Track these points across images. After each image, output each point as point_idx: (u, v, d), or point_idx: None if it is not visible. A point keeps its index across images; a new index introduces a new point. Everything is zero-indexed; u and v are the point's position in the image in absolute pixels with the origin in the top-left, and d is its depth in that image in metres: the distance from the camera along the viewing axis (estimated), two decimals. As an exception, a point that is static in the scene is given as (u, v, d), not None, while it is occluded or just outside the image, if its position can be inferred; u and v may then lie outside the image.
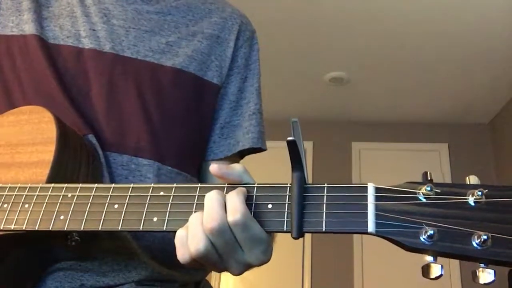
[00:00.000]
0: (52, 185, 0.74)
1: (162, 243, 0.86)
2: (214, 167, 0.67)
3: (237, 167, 0.68)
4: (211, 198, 0.64)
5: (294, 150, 0.61)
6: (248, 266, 0.66)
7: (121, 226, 0.68)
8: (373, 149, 5.20)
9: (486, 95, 4.69)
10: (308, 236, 4.87)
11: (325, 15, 3.69)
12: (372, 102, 4.97)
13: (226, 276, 4.67)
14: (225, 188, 0.67)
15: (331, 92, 4.79)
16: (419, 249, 0.56)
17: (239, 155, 1.04)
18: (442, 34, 3.80)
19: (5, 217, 0.73)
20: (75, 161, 0.81)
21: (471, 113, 5.06)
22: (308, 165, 4.92)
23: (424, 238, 0.55)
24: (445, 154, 5.11)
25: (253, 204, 0.64)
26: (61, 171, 0.78)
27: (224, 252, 0.64)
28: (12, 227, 0.72)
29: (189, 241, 0.63)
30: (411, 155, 4.98)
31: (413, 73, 4.39)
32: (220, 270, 0.68)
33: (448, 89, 4.63)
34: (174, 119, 0.96)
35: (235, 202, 0.63)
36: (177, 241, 0.65)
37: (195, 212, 0.66)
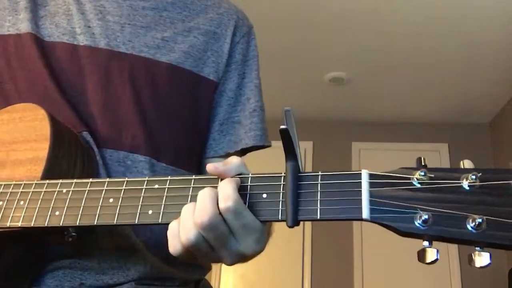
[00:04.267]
0: (47, 181, 0.74)
1: (160, 238, 0.86)
2: (210, 167, 0.66)
3: (234, 161, 0.67)
4: (204, 194, 0.64)
5: (287, 139, 0.60)
6: (241, 256, 0.66)
7: (117, 220, 0.68)
8: (373, 149, 5.21)
9: (486, 95, 4.69)
10: (308, 234, 4.88)
11: (325, 15, 3.69)
12: (372, 102, 4.98)
13: (226, 275, 4.68)
14: (220, 179, 0.66)
15: (331, 92, 4.80)
16: (414, 234, 0.55)
17: (241, 152, 1.04)
18: (442, 34, 3.80)
19: (1, 214, 0.73)
20: (69, 158, 0.81)
21: (471, 113, 5.06)
22: (308, 165, 4.94)
23: (418, 223, 0.55)
24: (445, 154, 5.12)
25: (248, 194, 0.64)
26: (55, 168, 0.78)
27: (216, 244, 0.64)
28: (8, 224, 0.72)
29: (181, 231, 0.63)
30: (411, 155, 4.92)
31: (413, 73, 4.40)
32: (213, 261, 0.67)
33: (448, 89, 4.63)
34: (169, 115, 0.96)
35: (227, 189, 0.63)
36: (169, 233, 0.65)
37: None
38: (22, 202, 0.73)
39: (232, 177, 0.66)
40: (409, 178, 0.58)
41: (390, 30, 3.81)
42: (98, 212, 0.69)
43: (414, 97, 4.83)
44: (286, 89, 4.77)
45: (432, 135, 5.20)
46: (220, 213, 0.62)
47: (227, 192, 0.62)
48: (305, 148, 5.07)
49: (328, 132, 5.29)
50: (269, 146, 1.04)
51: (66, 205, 0.71)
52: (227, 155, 1.01)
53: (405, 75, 4.44)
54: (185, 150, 0.99)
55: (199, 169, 1.03)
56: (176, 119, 0.97)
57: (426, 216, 0.54)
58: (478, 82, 4.46)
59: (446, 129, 5.23)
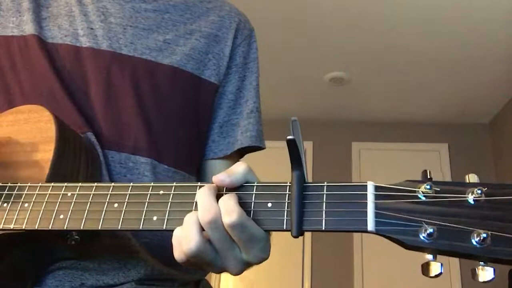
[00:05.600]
0: (52, 184, 0.74)
1: (162, 241, 0.87)
2: (216, 181, 0.65)
3: (239, 170, 0.66)
4: (203, 193, 0.64)
5: (293, 149, 0.60)
6: (247, 265, 0.66)
7: (121, 226, 0.68)
8: (373, 149, 5.21)
9: (486, 95, 4.69)
10: (308, 235, 4.87)
11: (325, 15, 3.69)
12: (372, 102, 4.98)
13: (226, 276, 4.66)
14: (225, 188, 0.66)
15: (331, 92, 4.79)
16: (419, 247, 0.55)
17: (239, 154, 1.04)
18: (442, 34, 3.80)
19: (5, 216, 0.73)
20: (74, 160, 0.81)
21: (471, 113, 5.06)
22: (308, 165, 4.94)
23: (423, 237, 0.55)
24: (445, 154, 5.12)
25: (253, 203, 0.64)
26: (60, 170, 0.78)
27: (222, 248, 0.63)
28: (12, 226, 0.72)
29: (182, 240, 0.63)
30: (411, 155, 4.98)
31: (413, 73, 4.40)
32: (218, 269, 0.67)
33: (448, 89, 4.63)
34: (171, 117, 0.96)
35: (230, 203, 0.62)
36: (174, 240, 0.65)
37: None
38: (26, 205, 0.73)
39: (239, 185, 0.66)
40: (414, 191, 0.58)
41: (390, 30, 3.81)
42: (102, 216, 0.69)
43: (414, 97, 4.83)
44: (286, 89, 4.77)
45: (432, 135, 5.20)
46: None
47: (229, 206, 0.62)
48: (305, 148, 5.04)
49: (328, 132, 5.28)
50: (263, 148, 1.04)
51: (71, 208, 0.71)
52: (226, 156, 1.02)
53: (405, 75, 4.44)
54: (186, 152, 0.99)
55: (199, 171, 1.04)
56: (177, 120, 0.97)
57: (431, 230, 0.54)
58: (478, 82, 4.46)
59: (446, 129, 5.23)
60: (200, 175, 1.03)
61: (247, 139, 1.01)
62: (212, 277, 4.49)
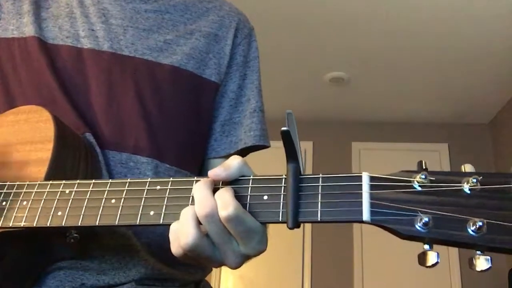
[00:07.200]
0: (50, 182, 0.74)
1: (161, 240, 0.86)
2: (211, 175, 0.66)
3: (234, 164, 0.67)
4: (199, 187, 0.64)
5: (288, 141, 0.60)
6: (245, 258, 0.66)
7: (118, 221, 0.68)
8: (373, 149, 5.21)
9: (486, 95, 4.69)
10: (308, 232, 4.88)
11: (325, 15, 3.69)
12: (372, 102, 4.98)
13: (225, 276, 4.68)
14: (221, 182, 0.66)
15: (331, 92, 4.80)
16: (415, 237, 0.55)
17: (242, 153, 1.04)
18: (443, 34, 3.81)
19: (4, 214, 0.73)
20: (73, 159, 0.81)
21: (471, 113, 5.06)
22: (308, 165, 4.95)
23: (419, 226, 0.55)
24: (445, 154, 5.12)
25: (249, 196, 0.64)
26: (59, 170, 0.78)
27: (219, 241, 0.64)
28: (11, 224, 0.72)
29: (180, 235, 0.63)
30: (411, 155, 4.97)
31: (413, 73, 4.40)
32: (216, 263, 0.67)
33: (448, 89, 4.63)
34: (172, 117, 0.97)
35: (226, 197, 0.62)
36: (171, 234, 0.65)
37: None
38: (25, 203, 0.73)
39: (234, 178, 0.66)
40: (410, 181, 0.58)
41: (390, 30, 3.81)
42: (100, 212, 0.69)
43: (414, 97, 4.83)
44: (286, 89, 4.77)
45: (432, 135, 5.21)
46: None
47: (226, 200, 0.62)
48: (305, 148, 5.07)
49: (328, 132, 5.29)
50: (268, 146, 1.04)
51: (69, 205, 0.71)
52: (229, 155, 1.01)
53: (405, 75, 4.44)
54: (188, 151, 0.99)
55: (201, 170, 1.04)
56: (178, 120, 0.98)
57: (427, 219, 0.54)
58: (478, 82, 4.46)
59: (446, 129, 5.23)
60: (202, 174, 1.03)
61: (251, 138, 1.01)
62: (212, 277, 4.50)
